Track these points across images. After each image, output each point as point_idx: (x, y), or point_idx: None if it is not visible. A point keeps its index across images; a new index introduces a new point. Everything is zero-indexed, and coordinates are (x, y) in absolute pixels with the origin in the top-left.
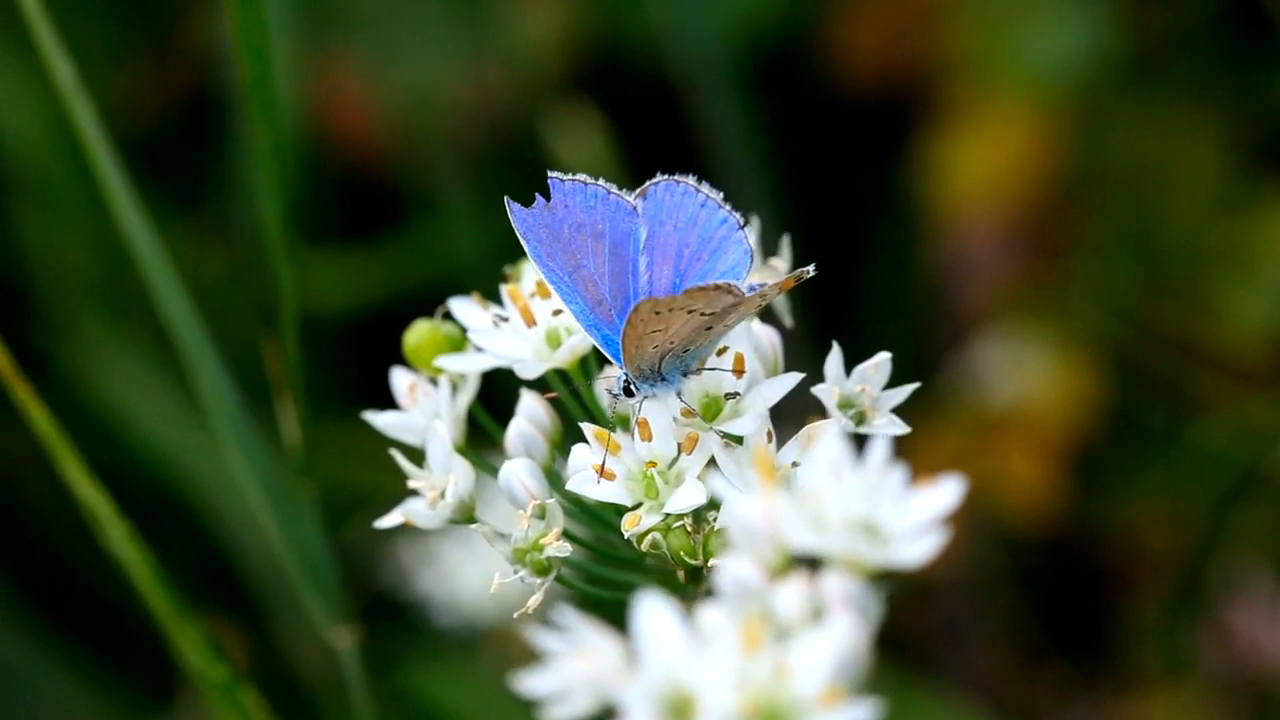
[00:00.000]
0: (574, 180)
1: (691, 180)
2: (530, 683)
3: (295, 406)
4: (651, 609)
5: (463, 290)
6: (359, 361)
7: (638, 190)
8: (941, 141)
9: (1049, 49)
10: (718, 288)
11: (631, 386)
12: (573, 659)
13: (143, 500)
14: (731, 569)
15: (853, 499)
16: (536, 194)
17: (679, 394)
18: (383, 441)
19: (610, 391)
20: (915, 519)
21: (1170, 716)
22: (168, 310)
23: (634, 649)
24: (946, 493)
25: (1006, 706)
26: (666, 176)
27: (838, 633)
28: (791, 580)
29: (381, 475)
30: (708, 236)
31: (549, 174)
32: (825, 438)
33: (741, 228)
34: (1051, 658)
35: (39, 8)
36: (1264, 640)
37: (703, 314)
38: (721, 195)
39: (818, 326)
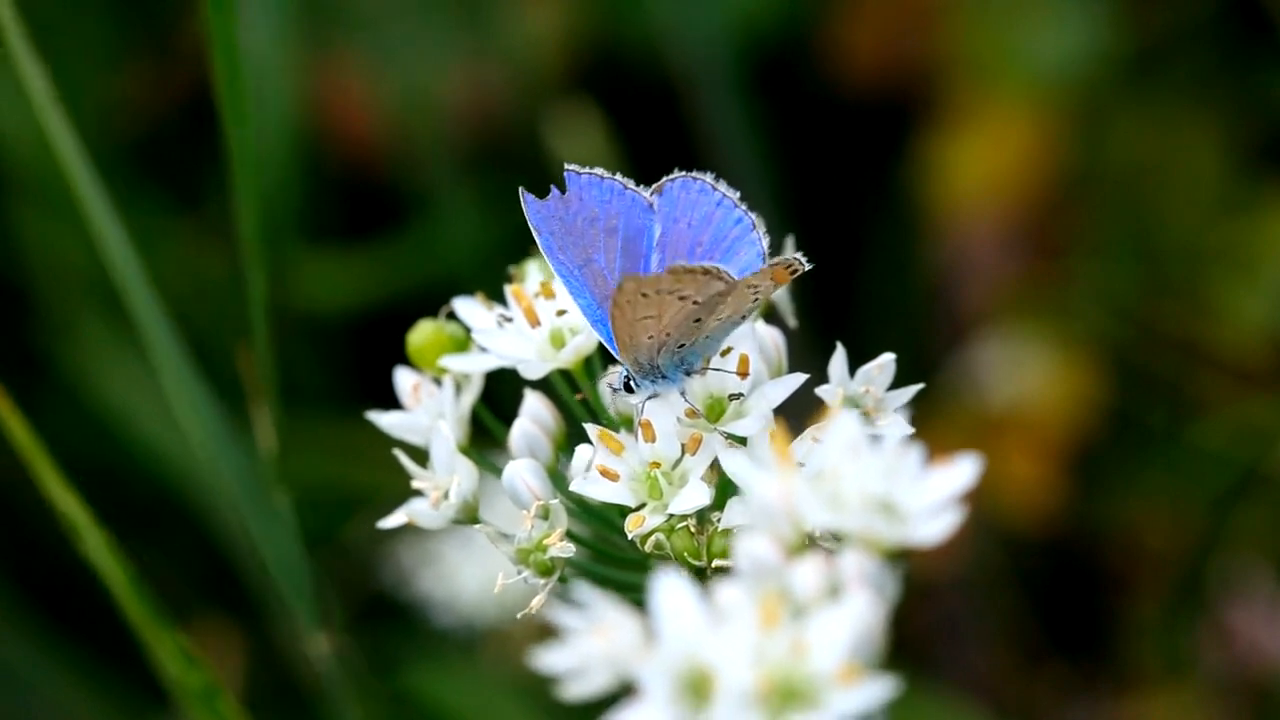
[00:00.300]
0: (590, 173)
1: (709, 178)
2: (549, 658)
3: (270, 413)
4: (670, 586)
5: (462, 290)
6: (359, 361)
7: (654, 186)
8: (941, 141)
9: (1049, 49)
10: (705, 271)
11: (632, 383)
12: (591, 635)
13: (143, 500)
14: (749, 547)
15: (870, 478)
16: (551, 186)
17: (683, 394)
18: (383, 441)
19: (611, 386)
20: (932, 497)
21: (1170, 716)
22: (141, 321)
23: (652, 626)
24: (963, 471)
25: (1006, 706)
26: (684, 173)
27: (855, 610)
28: (809, 558)
29: (382, 475)
30: (721, 235)
31: (565, 166)
32: (841, 420)
33: (755, 228)
34: (1051, 658)
35: (11, 15)
36: (1264, 640)
37: (693, 302)
38: (738, 195)
39: (818, 327)
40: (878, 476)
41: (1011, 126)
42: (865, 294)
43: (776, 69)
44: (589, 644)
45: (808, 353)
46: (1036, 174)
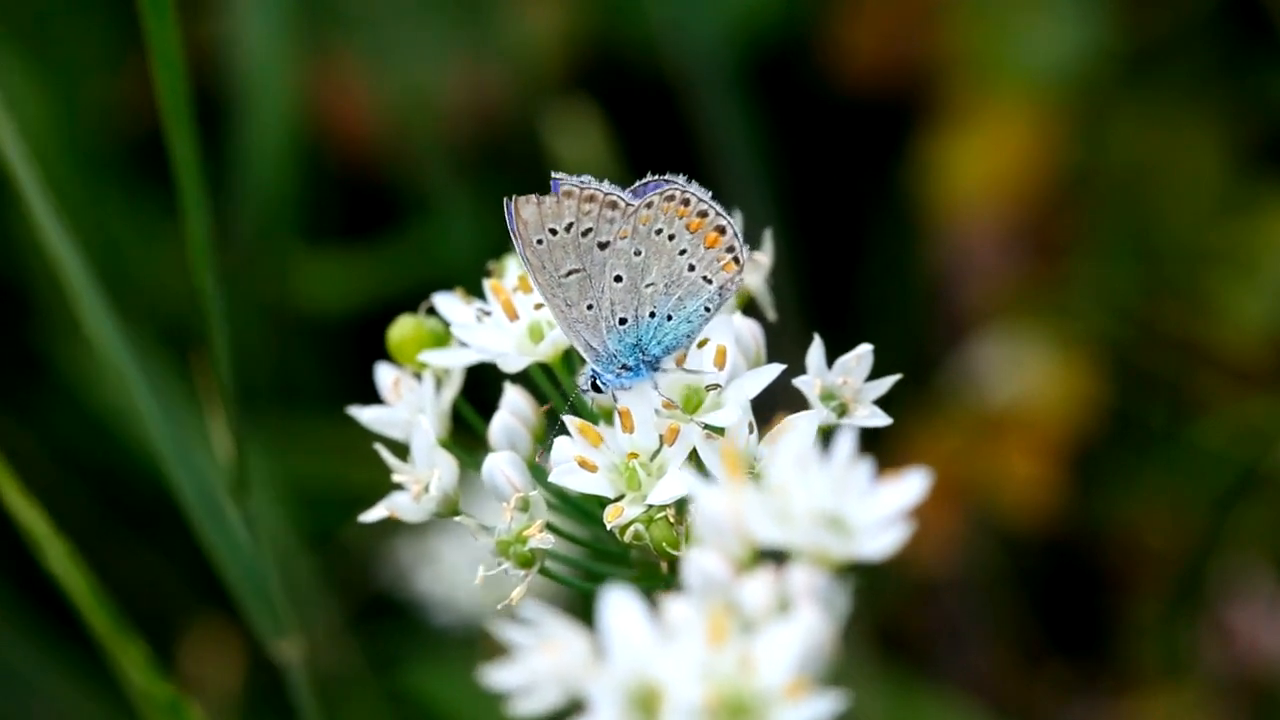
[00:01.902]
0: (574, 181)
1: (682, 180)
2: (497, 676)
3: (228, 420)
4: (618, 602)
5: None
6: (359, 361)
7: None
8: (941, 141)
9: (1048, 48)
10: (591, 197)
11: (598, 380)
12: (539, 652)
13: (142, 500)
14: (697, 562)
15: (818, 493)
16: (535, 194)
17: (655, 388)
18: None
19: (579, 388)
20: (881, 512)
21: (1170, 716)
22: (91, 328)
23: (601, 642)
24: (912, 486)
25: (1006, 706)
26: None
27: (803, 625)
28: (757, 573)
29: (381, 474)
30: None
31: (552, 174)
32: (792, 431)
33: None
34: (1051, 658)
35: None
36: (1264, 640)
37: (599, 243)
38: (712, 194)
39: (817, 326)
40: (826, 491)
41: (1011, 126)
42: (865, 294)
43: (776, 69)
44: (538, 660)
45: (804, 352)
46: (1036, 174)
